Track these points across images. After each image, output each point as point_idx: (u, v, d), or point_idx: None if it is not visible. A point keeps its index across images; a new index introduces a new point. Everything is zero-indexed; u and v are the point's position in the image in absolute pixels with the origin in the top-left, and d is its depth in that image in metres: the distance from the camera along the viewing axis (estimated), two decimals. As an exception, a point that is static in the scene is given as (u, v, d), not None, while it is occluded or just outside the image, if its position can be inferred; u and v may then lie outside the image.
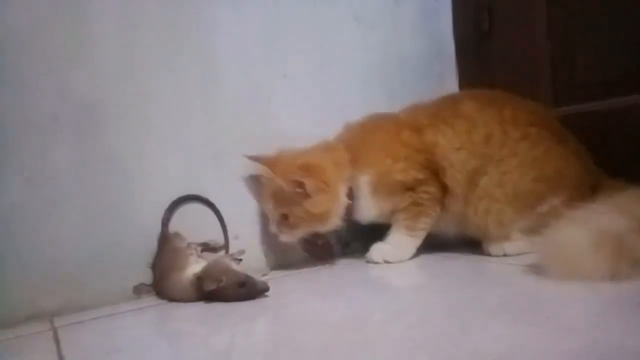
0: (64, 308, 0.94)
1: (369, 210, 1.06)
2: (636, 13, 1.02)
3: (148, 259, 1.00)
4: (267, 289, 0.87)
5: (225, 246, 1.06)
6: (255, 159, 1.05)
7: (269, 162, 1.03)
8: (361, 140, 1.07)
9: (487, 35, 1.32)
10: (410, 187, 1.03)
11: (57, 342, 0.77)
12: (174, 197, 1.04)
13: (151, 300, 0.97)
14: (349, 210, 1.05)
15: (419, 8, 1.36)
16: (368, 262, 1.06)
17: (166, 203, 1.03)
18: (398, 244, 1.06)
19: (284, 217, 1.02)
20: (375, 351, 0.60)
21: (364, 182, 1.04)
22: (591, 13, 1.10)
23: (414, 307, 0.78)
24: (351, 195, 1.05)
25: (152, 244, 1.00)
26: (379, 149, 1.05)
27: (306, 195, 0.99)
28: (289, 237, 1.04)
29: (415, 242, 1.05)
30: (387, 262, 1.04)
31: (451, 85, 1.39)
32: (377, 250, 1.06)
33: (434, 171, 1.03)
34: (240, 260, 0.96)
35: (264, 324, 0.77)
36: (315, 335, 0.68)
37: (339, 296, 0.89)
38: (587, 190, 0.96)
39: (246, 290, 0.86)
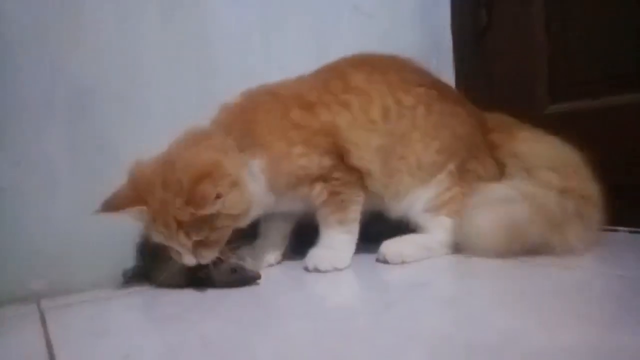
0: (51, 290, 0.93)
1: (265, 200, 0.91)
2: (635, 10, 1.02)
3: (136, 243, 0.99)
4: (258, 277, 0.86)
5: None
6: (117, 206, 0.83)
7: (138, 198, 0.82)
8: (242, 122, 0.91)
9: (486, 30, 1.32)
10: (318, 177, 0.92)
11: (43, 323, 0.76)
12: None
13: (140, 285, 0.96)
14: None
15: (418, 0, 1.36)
16: (308, 270, 0.92)
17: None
18: (336, 246, 0.93)
19: (203, 240, 0.83)
20: None
21: (257, 167, 0.88)
22: (590, 10, 1.09)
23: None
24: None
25: (139, 229, 0.99)
26: (266, 131, 0.90)
27: (225, 202, 0.81)
28: (211, 257, 0.84)
29: (352, 239, 0.95)
30: (325, 270, 0.91)
31: (447, 78, 1.39)
32: (316, 257, 0.92)
33: (339, 154, 0.93)
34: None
35: (256, 311, 0.76)
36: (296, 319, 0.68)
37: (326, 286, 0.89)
38: (481, 149, 0.99)
39: (237, 277, 0.86)
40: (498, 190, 0.92)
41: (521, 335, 0.56)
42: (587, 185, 0.90)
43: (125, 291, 0.93)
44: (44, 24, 0.93)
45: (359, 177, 0.94)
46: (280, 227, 1.03)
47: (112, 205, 0.83)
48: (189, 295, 0.86)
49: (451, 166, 0.96)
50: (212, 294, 0.85)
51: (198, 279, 0.87)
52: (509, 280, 0.79)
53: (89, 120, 0.97)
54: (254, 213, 0.90)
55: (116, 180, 0.95)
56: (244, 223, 0.89)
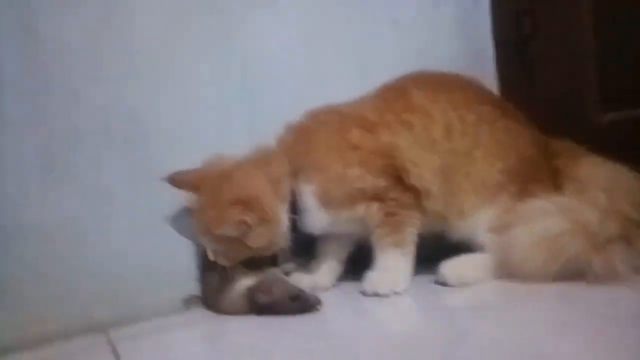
0: (116, 320, 0.95)
1: (319, 222, 0.94)
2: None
3: (195, 271, 1.01)
4: (319, 303, 0.87)
5: (273, 259, 1.06)
6: (179, 182, 0.93)
7: (197, 186, 0.92)
8: (302, 143, 0.95)
9: (529, 38, 1.29)
10: (373, 197, 0.92)
11: (117, 357, 0.78)
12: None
13: (201, 312, 0.97)
14: (295, 225, 0.94)
15: (457, 11, 1.34)
16: (366, 294, 0.91)
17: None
18: (392, 268, 0.92)
19: (221, 251, 0.91)
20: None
21: (308, 193, 0.92)
22: (641, 14, 1.06)
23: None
24: (296, 208, 0.93)
25: (199, 257, 1.01)
26: (324, 152, 0.93)
27: (247, 234, 0.88)
28: (226, 263, 0.92)
29: (408, 260, 0.93)
30: (385, 294, 0.90)
31: (490, 87, 1.37)
32: (374, 280, 0.91)
33: (396, 175, 0.93)
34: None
35: (323, 339, 0.77)
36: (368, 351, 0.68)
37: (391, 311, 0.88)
38: (544, 173, 0.96)
39: (298, 304, 0.86)
40: (534, 205, 0.90)
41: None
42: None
43: (189, 318, 0.94)
44: (99, 51, 0.96)
45: (416, 197, 0.94)
46: (337, 250, 1.03)
47: (174, 180, 0.93)
48: (253, 323, 0.87)
49: (513, 188, 0.94)
50: (275, 321, 0.86)
51: (259, 305, 0.88)
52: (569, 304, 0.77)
53: (145, 147, 0.99)
54: (277, 248, 0.94)
55: (172, 206, 0.99)
56: (266, 254, 0.94)
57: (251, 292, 0.89)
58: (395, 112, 0.95)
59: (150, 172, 0.99)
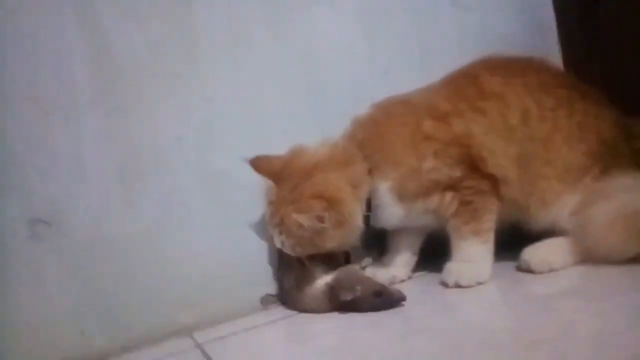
0: (199, 322, 0.97)
1: (393, 217, 0.92)
2: None
3: (271, 270, 1.01)
4: (404, 298, 0.85)
5: (346, 255, 1.05)
6: (260, 168, 0.93)
7: (277, 175, 0.91)
8: (375, 137, 0.92)
9: (594, 3, 1.22)
10: (448, 186, 0.90)
11: (208, 358, 0.79)
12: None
13: (279, 311, 0.98)
14: (367, 220, 0.92)
15: (514, -17, 1.28)
16: (448, 286, 0.90)
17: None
18: (473, 258, 0.90)
19: (291, 245, 0.90)
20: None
21: (384, 189, 0.90)
22: None
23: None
24: (369, 204, 0.91)
25: (274, 255, 1.01)
26: (398, 146, 0.91)
27: (321, 231, 0.86)
28: (294, 255, 0.92)
29: (488, 249, 0.90)
30: (468, 285, 0.88)
31: (555, 60, 1.30)
32: (455, 271, 0.90)
33: (472, 164, 0.90)
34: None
35: (418, 336, 0.75)
36: (477, 348, 0.66)
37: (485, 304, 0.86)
38: (625, 156, 0.91)
39: (383, 300, 0.85)
40: (612, 182, 0.86)
41: None
42: None
43: (270, 318, 0.95)
44: (165, 62, 0.96)
45: (493, 185, 0.90)
46: (410, 242, 1.01)
47: (256, 164, 0.93)
48: (336, 321, 0.86)
49: (596, 170, 0.90)
50: (360, 318, 0.85)
51: (342, 302, 0.87)
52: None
53: (215, 152, 1.00)
54: (347, 247, 0.94)
55: (244, 204, 1.00)
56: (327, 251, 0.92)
57: (332, 289, 0.88)
58: (468, 99, 0.92)
59: (221, 177, 1.00)
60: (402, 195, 0.90)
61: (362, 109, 1.09)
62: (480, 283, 0.89)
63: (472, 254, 0.91)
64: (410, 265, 1.02)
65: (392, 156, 0.90)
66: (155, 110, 0.95)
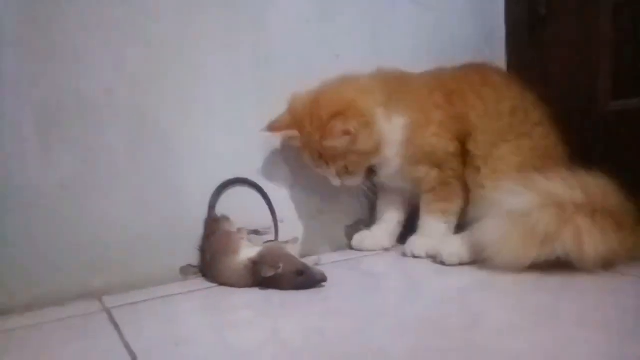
0: (112, 287, 0.92)
1: (391, 166, 1.00)
2: None
3: (195, 240, 0.98)
4: (325, 279, 0.85)
5: (275, 232, 1.04)
6: (276, 128, 0.98)
7: (293, 125, 0.97)
8: (397, 81, 1.01)
9: (543, 20, 1.27)
10: (437, 163, 0.99)
11: (116, 326, 0.75)
12: (222, 178, 1.01)
13: (199, 282, 0.95)
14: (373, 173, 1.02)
15: (472, -12, 1.30)
16: (406, 255, 1.00)
17: (214, 185, 1.00)
18: (434, 234, 0.99)
19: (343, 169, 0.98)
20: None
21: (398, 125, 0.97)
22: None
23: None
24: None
25: (199, 226, 0.98)
26: (416, 98, 0.99)
27: (355, 139, 0.93)
28: (354, 182, 1.00)
29: (450, 229, 0.99)
30: (419, 255, 0.98)
31: (499, 69, 1.35)
32: (414, 243, 1.00)
33: (462, 142, 0.99)
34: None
35: (333, 316, 0.75)
36: (386, 331, 0.67)
37: (399, 288, 0.87)
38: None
39: (304, 279, 0.84)
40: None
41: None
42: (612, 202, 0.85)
43: (188, 289, 0.91)
44: (105, 13, 0.90)
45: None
46: (395, 215, 1.10)
47: (274, 127, 0.98)
48: (254, 296, 0.85)
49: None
50: (279, 295, 0.84)
51: (264, 279, 0.85)
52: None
53: (149, 112, 0.94)
54: (387, 153, 0.98)
55: (174, 168, 0.96)
56: (376, 160, 0.99)
57: (255, 264, 0.86)
58: (472, 83, 1.01)
59: (153, 139, 0.95)
60: (407, 144, 0.97)
61: (309, 86, 1.09)
62: (442, 262, 0.93)
63: (434, 231, 0.99)
64: (394, 235, 1.10)
65: (409, 101, 0.98)
66: (85, 58, 0.88)
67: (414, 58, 1.21)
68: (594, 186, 0.85)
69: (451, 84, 1.02)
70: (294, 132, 0.97)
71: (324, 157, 0.97)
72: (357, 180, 1.00)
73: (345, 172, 0.98)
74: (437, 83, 1.02)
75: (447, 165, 0.98)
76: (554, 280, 0.81)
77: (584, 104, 1.16)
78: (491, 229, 0.85)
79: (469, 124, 0.98)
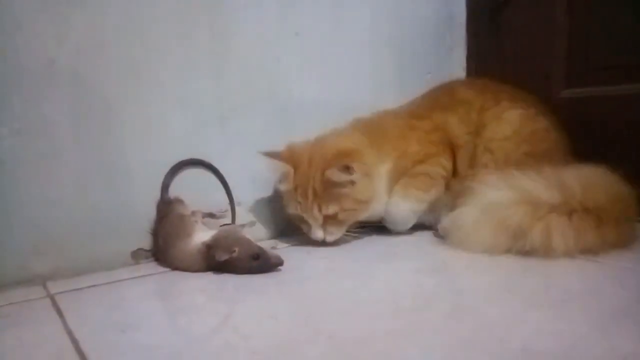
0: (57, 273, 0.87)
1: (381, 204, 1.01)
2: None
3: (146, 223, 0.95)
4: (281, 263, 0.83)
5: (232, 215, 1.01)
6: (273, 156, 0.97)
7: (289, 160, 0.96)
8: (375, 130, 1.04)
9: (502, 6, 1.28)
10: (421, 160, 1.02)
11: (59, 312, 0.72)
12: (176, 159, 0.97)
13: (151, 267, 0.92)
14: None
15: (433, -29, 1.30)
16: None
17: (167, 165, 0.96)
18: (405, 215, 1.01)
19: (332, 216, 0.95)
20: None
21: (384, 170, 1.01)
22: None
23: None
24: None
25: (151, 208, 0.95)
26: (393, 137, 1.03)
27: (353, 183, 0.94)
28: (336, 236, 0.97)
29: (417, 216, 1.02)
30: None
31: (459, 54, 1.36)
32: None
33: (449, 146, 1.04)
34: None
35: (287, 301, 0.74)
36: (339, 315, 0.66)
37: (355, 273, 0.87)
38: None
39: (259, 263, 0.83)
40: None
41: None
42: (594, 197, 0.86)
43: (139, 274, 0.88)
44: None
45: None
46: None
47: (272, 154, 0.97)
48: (207, 281, 0.82)
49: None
50: (233, 280, 0.82)
51: (218, 262, 0.83)
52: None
53: (95, 85, 0.89)
54: (374, 209, 0.99)
55: (122, 147, 0.91)
56: (363, 215, 0.98)
57: (210, 248, 0.84)
58: (443, 105, 1.08)
59: (99, 114, 0.90)
60: (391, 177, 1.01)
61: (267, 66, 1.06)
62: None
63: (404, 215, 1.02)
64: None
65: (389, 144, 1.02)
66: (25, 26, 0.82)
67: (373, 38, 1.20)
68: (576, 184, 0.86)
69: (424, 111, 1.08)
70: (289, 168, 0.96)
71: (318, 196, 0.93)
72: (338, 233, 0.97)
73: (333, 221, 0.95)
74: (410, 112, 1.09)
75: (433, 160, 1.02)
76: (517, 264, 0.82)
77: (539, 90, 1.18)
78: (465, 215, 0.88)
79: (450, 132, 1.04)
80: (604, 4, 1.09)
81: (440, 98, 1.11)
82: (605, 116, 1.08)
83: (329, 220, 0.95)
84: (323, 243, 0.97)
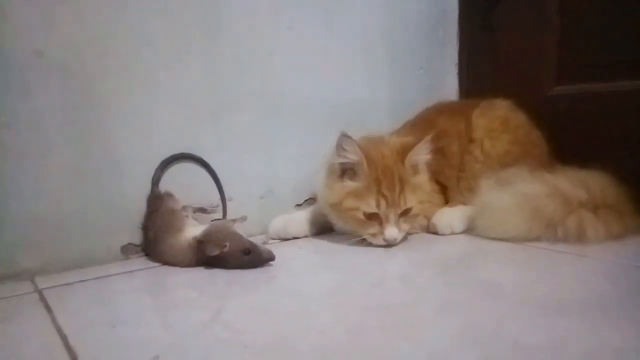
0: (45, 267, 0.86)
1: None
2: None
3: (136, 218, 0.94)
4: (272, 258, 0.83)
5: (223, 210, 1.01)
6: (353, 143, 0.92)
7: (365, 150, 0.91)
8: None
9: (495, 3, 1.28)
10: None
11: (47, 308, 0.71)
12: (167, 154, 0.96)
13: (141, 262, 0.91)
14: None
15: (426, -33, 1.30)
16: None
17: (158, 160, 0.96)
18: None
19: (407, 211, 0.91)
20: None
21: None
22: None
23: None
24: None
25: (141, 203, 0.94)
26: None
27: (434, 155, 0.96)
28: (404, 231, 0.92)
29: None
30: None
31: (451, 50, 1.36)
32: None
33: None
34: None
35: (278, 295, 0.74)
36: (331, 310, 0.66)
37: (346, 268, 0.87)
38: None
39: (251, 258, 0.82)
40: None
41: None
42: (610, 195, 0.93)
43: (129, 269, 0.87)
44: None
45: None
46: None
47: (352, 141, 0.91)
48: (198, 276, 0.82)
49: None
50: (224, 275, 0.81)
51: (209, 257, 0.83)
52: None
53: (84, 77, 0.88)
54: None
55: (113, 141, 0.90)
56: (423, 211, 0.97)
57: (201, 243, 0.83)
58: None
59: (89, 107, 0.88)
60: None
61: (260, 60, 1.05)
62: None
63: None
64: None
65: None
66: (12, 16, 0.81)
67: (366, 33, 1.20)
68: (593, 183, 0.93)
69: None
70: (361, 157, 0.89)
71: (405, 189, 0.90)
72: (405, 230, 0.93)
73: (406, 217, 0.92)
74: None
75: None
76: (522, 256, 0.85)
77: (529, 88, 1.19)
78: (501, 198, 0.91)
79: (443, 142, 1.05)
80: (595, 2, 1.09)
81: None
82: (596, 113, 1.09)
83: (404, 214, 0.91)
84: (386, 246, 0.92)
